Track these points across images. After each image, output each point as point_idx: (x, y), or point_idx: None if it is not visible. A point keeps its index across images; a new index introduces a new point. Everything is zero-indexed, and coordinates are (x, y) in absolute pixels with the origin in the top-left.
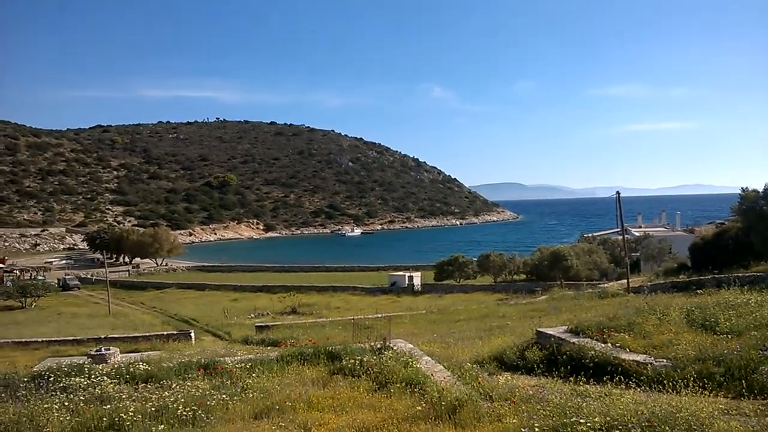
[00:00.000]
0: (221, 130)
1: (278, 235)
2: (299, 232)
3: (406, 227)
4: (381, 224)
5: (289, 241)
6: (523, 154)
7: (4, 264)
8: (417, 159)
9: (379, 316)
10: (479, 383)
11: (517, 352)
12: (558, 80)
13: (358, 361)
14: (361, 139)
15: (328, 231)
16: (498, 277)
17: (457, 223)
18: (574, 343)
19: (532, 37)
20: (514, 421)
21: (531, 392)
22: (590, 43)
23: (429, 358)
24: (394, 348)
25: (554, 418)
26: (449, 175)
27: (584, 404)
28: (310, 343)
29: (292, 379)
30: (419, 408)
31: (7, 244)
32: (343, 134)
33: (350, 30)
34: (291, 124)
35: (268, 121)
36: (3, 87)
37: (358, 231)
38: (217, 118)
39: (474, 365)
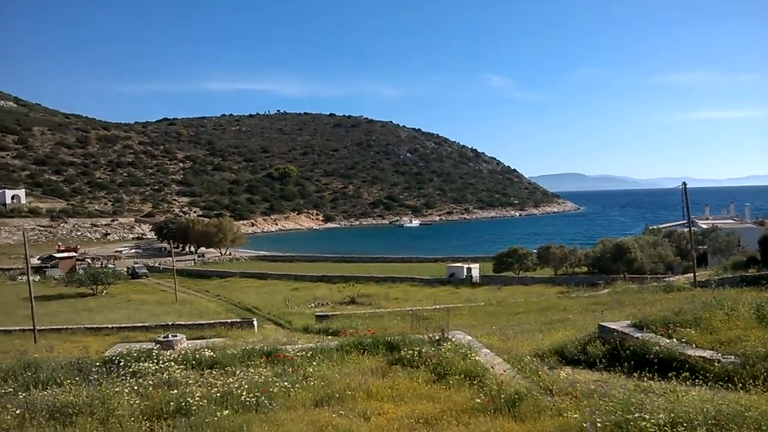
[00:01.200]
0: (282, 122)
1: (337, 225)
2: (358, 222)
3: (465, 218)
4: (439, 215)
5: (347, 232)
6: (584, 143)
7: (76, 253)
8: (475, 149)
9: (438, 307)
10: (540, 377)
11: (579, 346)
12: (620, 67)
13: (416, 352)
14: (420, 129)
15: (387, 222)
16: (558, 270)
17: (517, 214)
18: (637, 337)
19: (593, 22)
20: (576, 416)
21: (593, 387)
22: (655, 29)
23: (488, 351)
24: (453, 339)
25: (617, 414)
26: (508, 166)
27: (648, 400)
28: (369, 333)
29: (351, 368)
30: (478, 400)
31: (79, 233)
32: (401, 125)
33: (408, 20)
34: (350, 116)
35: (328, 113)
36: (76, 82)
37: (416, 222)
38: (278, 111)
39: (534, 358)
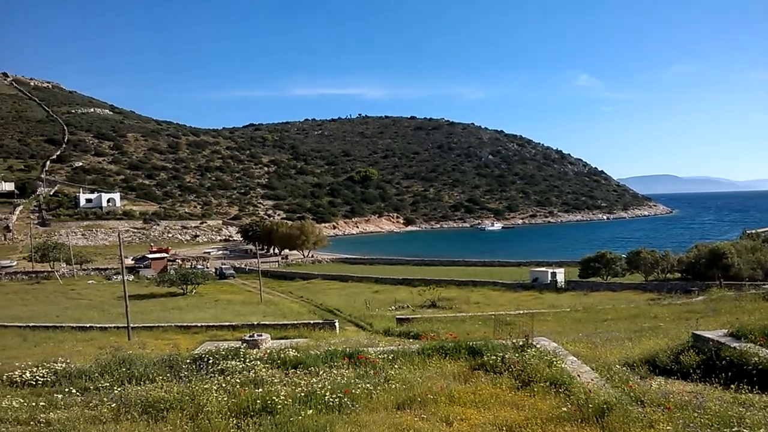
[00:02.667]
0: (363, 126)
1: (418, 228)
2: (438, 226)
3: (549, 222)
4: (522, 218)
5: (428, 235)
6: (677, 143)
7: (167, 254)
8: (560, 151)
9: (521, 312)
10: (630, 386)
11: (671, 356)
12: (717, 62)
13: (499, 358)
14: (502, 131)
15: (468, 225)
16: (649, 276)
17: (604, 217)
18: (735, 348)
19: (688, 14)
20: (669, 428)
21: (687, 398)
22: (756, 20)
23: (574, 358)
24: (537, 346)
25: (713, 428)
26: (595, 168)
27: (747, 414)
28: (450, 337)
29: (433, 372)
30: (564, 409)
31: (170, 235)
32: (483, 127)
33: (490, 19)
34: (431, 119)
35: (409, 116)
36: (168, 90)
37: (498, 225)
38: (359, 114)
39: (623, 368)
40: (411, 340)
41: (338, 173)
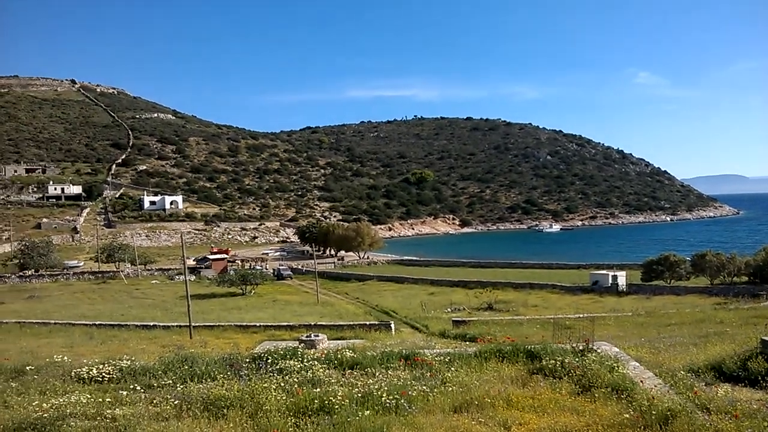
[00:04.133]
0: (419, 128)
1: (474, 230)
2: (495, 227)
3: (610, 223)
4: (581, 220)
5: (484, 237)
6: (744, 142)
7: (228, 255)
8: (621, 150)
9: (580, 316)
10: (695, 393)
11: (738, 362)
12: None
13: (559, 362)
14: (560, 131)
15: (525, 227)
16: (715, 279)
17: (668, 219)
18: None
19: (754, 10)
20: None
21: (756, 407)
22: None
23: (636, 364)
24: (598, 351)
25: None
26: (658, 167)
27: None
28: (508, 340)
29: (490, 376)
30: (626, 416)
31: (230, 236)
32: (540, 127)
33: (545, 17)
34: (487, 119)
35: (464, 117)
36: (227, 94)
37: (556, 227)
38: (414, 116)
39: (688, 374)
40: (467, 343)
41: (394, 175)
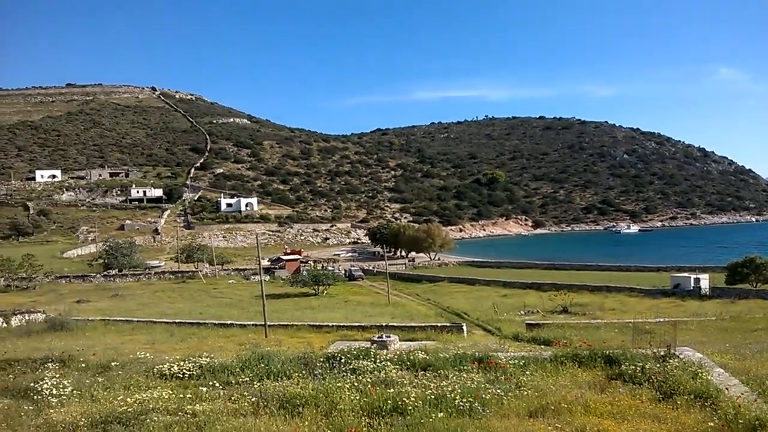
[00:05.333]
0: (490, 128)
1: (547, 231)
2: (569, 228)
3: (691, 224)
4: (661, 220)
5: (558, 238)
6: None
7: (300, 255)
8: (703, 149)
9: (661, 320)
10: None
11: None
12: None
13: (639, 368)
14: (638, 129)
15: (601, 228)
16: None
17: (753, 219)
18: None
19: None
20: None
21: None
22: None
23: (721, 370)
24: (681, 356)
25: None
26: (742, 166)
27: None
28: (584, 344)
29: (566, 381)
30: (711, 424)
31: (302, 237)
32: (617, 125)
33: (616, 14)
34: (560, 118)
35: (537, 116)
36: (299, 99)
37: (634, 228)
38: (485, 116)
39: None
40: (542, 347)
41: (464, 176)
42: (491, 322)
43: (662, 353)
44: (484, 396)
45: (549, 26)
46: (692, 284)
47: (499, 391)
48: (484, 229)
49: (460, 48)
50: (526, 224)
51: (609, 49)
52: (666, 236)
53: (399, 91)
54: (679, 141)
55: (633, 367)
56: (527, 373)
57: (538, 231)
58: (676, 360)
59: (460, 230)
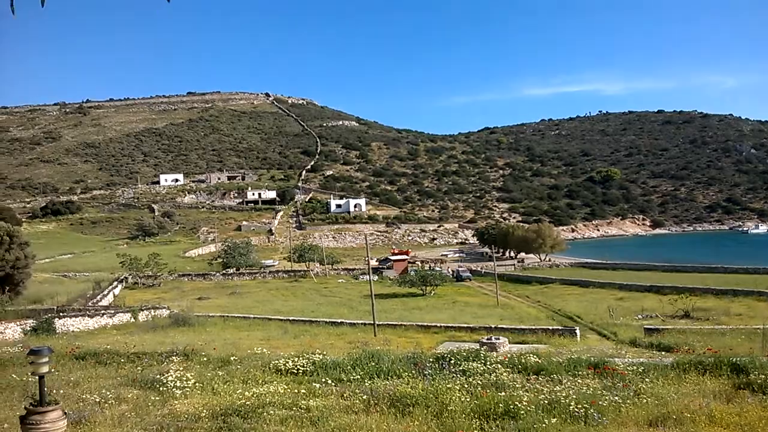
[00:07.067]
0: (604, 123)
1: (666, 231)
2: (691, 228)
3: None
4: None
5: (679, 239)
6: None
7: (408, 256)
8: None
9: None
10: None
11: None
12: None
13: None
14: (766, 122)
15: (726, 227)
16: None
17: None
18: None
19: None
20: None
21: None
22: None
23: None
24: None
25: None
26: None
27: None
28: (709, 351)
29: (689, 389)
30: None
31: (410, 237)
32: (743, 118)
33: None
34: (681, 111)
35: (655, 110)
36: (406, 100)
37: (763, 227)
38: (599, 111)
39: None
40: (662, 353)
41: (577, 174)
42: (606, 326)
43: None
44: (600, 402)
45: (665, 15)
46: None
47: (616, 398)
48: (598, 229)
49: (571, 41)
50: (643, 224)
51: (731, 38)
52: None
53: (507, 88)
54: None
55: (763, 376)
56: (647, 380)
57: (657, 231)
58: None
59: (572, 230)
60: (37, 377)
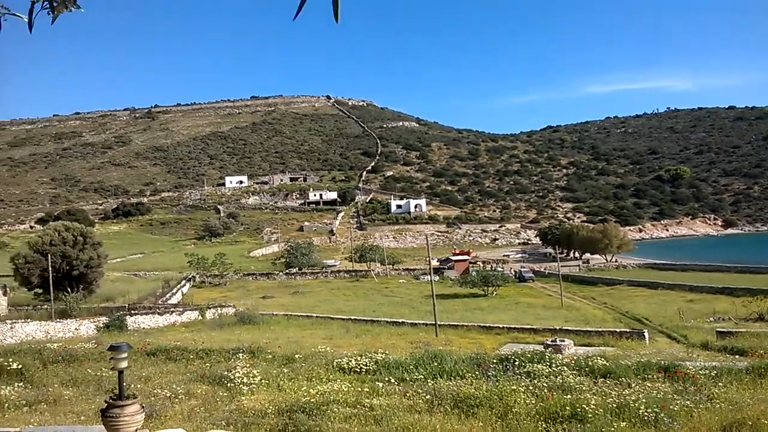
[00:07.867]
0: (672, 121)
1: (740, 231)
2: (765, 228)
3: None
4: None
5: (753, 239)
6: None
7: (469, 256)
8: None
9: None
10: None
11: None
12: None
13: None
14: None
15: None
16: None
17: None
18: None
19: None
20: None
21: None
22: None
23: None
24: None
25: None
26: None
27: None
28: None
29: (765, 394)
30: None
31: (471, 238)
32: None
33: None
34: (753, 107)
35: (726, 106)
36: (467, 100)
37: None
38: (667, 108)
39: None
40: (736, 357)
41: (644, 172)
42: (676, 329)
43: None
44: (671, 407)
45: (736, 8)
46: None
47: (688, 402)
48: (667, 229)
49: (637, 37)
50: (715, 224)
51: None
52: None
53: (570, 86)
54: None
55: None
56: (720, 384)
57: (729, 231)
58: None
59: (640, 230)
60: (116, 372)
